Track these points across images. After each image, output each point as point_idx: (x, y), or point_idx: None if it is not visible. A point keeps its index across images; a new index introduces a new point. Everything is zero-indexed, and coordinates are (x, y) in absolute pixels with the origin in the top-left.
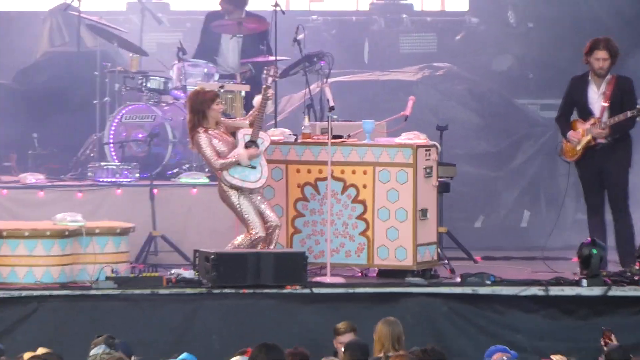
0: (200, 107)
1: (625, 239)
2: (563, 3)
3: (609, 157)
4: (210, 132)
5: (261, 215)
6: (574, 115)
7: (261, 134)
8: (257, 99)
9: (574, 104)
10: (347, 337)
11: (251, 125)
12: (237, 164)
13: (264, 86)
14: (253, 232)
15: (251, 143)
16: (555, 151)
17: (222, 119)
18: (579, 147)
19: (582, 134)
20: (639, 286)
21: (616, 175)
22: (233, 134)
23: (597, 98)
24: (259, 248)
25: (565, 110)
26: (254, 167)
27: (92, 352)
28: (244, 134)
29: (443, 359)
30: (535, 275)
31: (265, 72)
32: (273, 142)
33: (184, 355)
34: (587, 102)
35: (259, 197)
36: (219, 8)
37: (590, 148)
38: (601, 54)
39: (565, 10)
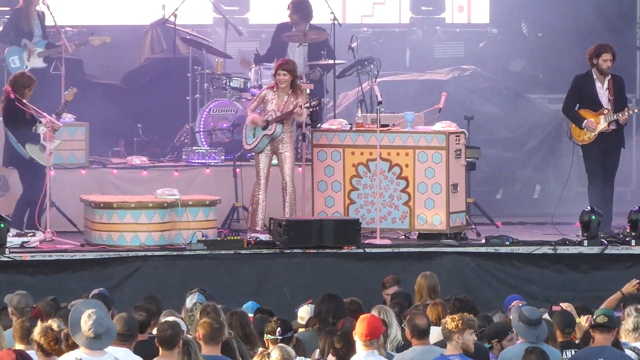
0: (274, 72)
1: (607, 206)
2: (566, 16)
3: (612, 141)
4: (274, 91)
5: (281, 173)
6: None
7: (277, 124)
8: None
9: (581, 97)
10: (393, 289)
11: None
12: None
13: (301, 104)
14: (256, 178)
15: (266, 121)
16: (558, 135)
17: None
18: (595, 132)
19: (597, 122)
20: (630, 245)
21: (615, 156)
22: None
23: (603, 92)
24: (257, 196)
25: (572, 103)
26: (253, 135)
27: (187, 300)
28: (270, 113)
29: (474, 306)
30: (546, 237)
31: (309, 101)
32: (332, 130)
33: (249, 303)
34: (597, 96)
35: (286, 161)
36: (287, 20)
37: (602, 133)
38: (608, 56)
39: (567, 22)
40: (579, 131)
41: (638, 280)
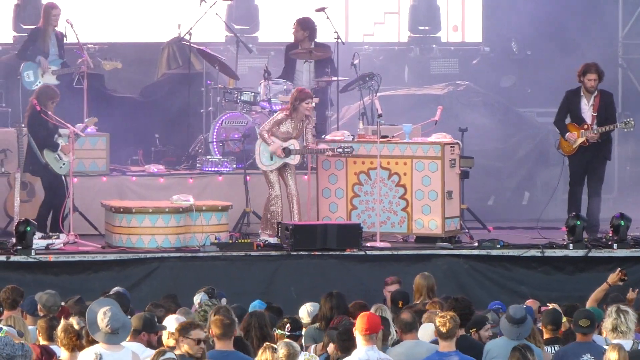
0: (294, 101)
1: (594, 214)
2: (553, 36)
3: (596, 153)
4: (289, 119)
5: (285, 182)
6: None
7: (297, 156)
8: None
9: (569, 111)
10: (394, 288)
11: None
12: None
13: (330, 152)
14: (271, 190)
15: (287, 150)
16: (545, 146)
17: (309, 124)
18: (575, 145)
19: (577, 136)
20: (612, 249)
21: (598, 168)
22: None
23: (587, 109)
24: (277, 205)
25: (561, 116)
26: (271, 159)
27: (195, 298)
28: (292, 142)
29: (470, 306)
30: (534, 240)
31: (342, 147)
32: (336, 141)
33: (256, 302)
34: (580, 112)
35: (290, 171)
36: (293, 39)
37: (583, 146)
38: (592, 75)
39: (554, 41)
40: (565, 143)
41: (620, 269)
